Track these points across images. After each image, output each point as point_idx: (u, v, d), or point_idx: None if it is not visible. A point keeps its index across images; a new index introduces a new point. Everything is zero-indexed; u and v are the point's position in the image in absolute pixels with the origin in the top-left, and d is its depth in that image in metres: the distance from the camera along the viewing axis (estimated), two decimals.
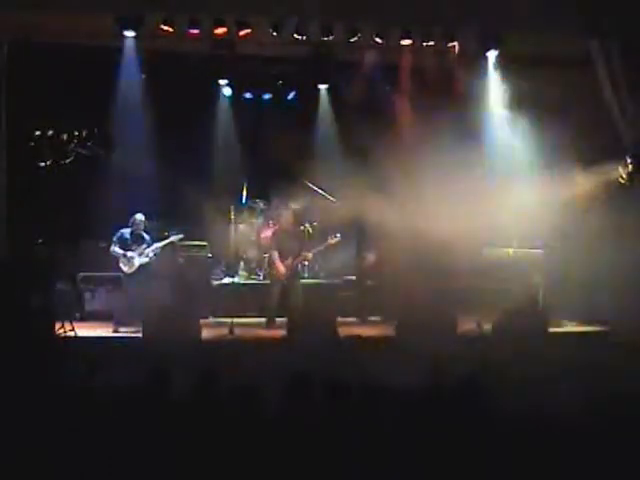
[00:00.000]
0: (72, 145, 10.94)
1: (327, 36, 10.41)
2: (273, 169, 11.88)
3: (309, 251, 10.63)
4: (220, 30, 10.23)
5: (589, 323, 10.12)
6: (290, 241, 10.60)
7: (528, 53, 10.93)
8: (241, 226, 12.04)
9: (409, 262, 10.58)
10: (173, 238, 10.44)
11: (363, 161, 10.99)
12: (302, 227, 11.51)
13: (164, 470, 4.11)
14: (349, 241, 11.16)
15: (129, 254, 10.06)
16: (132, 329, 9.62)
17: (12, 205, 10.64)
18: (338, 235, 10.69)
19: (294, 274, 10.53)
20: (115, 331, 9.82)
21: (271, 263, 10.61)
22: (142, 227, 10.22)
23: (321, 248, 10.76)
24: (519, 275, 10.55)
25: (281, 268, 10.43)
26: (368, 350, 8.61)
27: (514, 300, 10.29)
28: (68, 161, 10.98)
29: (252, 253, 11.89)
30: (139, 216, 10.22)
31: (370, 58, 11.32)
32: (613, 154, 10.76)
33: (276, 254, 10.50)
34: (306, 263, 10.81)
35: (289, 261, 10.48)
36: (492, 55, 11.25)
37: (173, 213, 11.20)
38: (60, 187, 10.84)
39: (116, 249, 10.06)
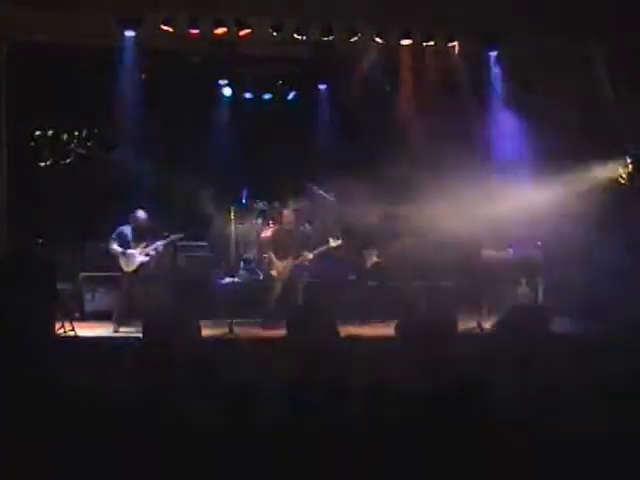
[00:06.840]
0: (72, 145, 10.98)
1: (327, 36, 10.41)
2: (273, 169, 11.88)
3: (310, 252, 10.63)
4: (220, 30, 10.24)
5: (589, 323, 10.11)
6: (290, 241, 10.60)
7: (528, 53, 10.95)
8: (241, 226, 12.01)
9: (410, 262, 10.59)
10: (173, 237, 10.41)
11: (363, 161, 11.00)
12: (302, 227, 11.50)
13: (164, 470, 4.12)
14: (349, 241, 11.15)
15: (129, 252, 9.95)
16: (132, 329, 9.62)
17: (12, 205, 10.64)
18: (339, 239, 10.68)
19: (294, 274, 10.53)
20: (115, 331, 9.80)
21: (270, 263, 10.61)
22: (143, 224, 10.10)
23: (322, 249, 10.75)
24: (519, 275, 10.55)
25: (280, 268, 10.45)
26: (368, 350, 8.61)
27: (514, 300, 10.31)
28: (68, 161, 11.02)
29: (252, 253, 11.87)
30: (140, 213, 10.10)
31: (370, 58, 11.32)
32: (613, 154, 10.76)
33: (275, 254, 10.51)
34: (306, 263, 10.80)
35: (288, 261, 10.49)
36: (492, 55, 11.25)
37: (173, 213, 11.20)
38: (60, 187, 10.85)
39: (114, 246, 9.92)
